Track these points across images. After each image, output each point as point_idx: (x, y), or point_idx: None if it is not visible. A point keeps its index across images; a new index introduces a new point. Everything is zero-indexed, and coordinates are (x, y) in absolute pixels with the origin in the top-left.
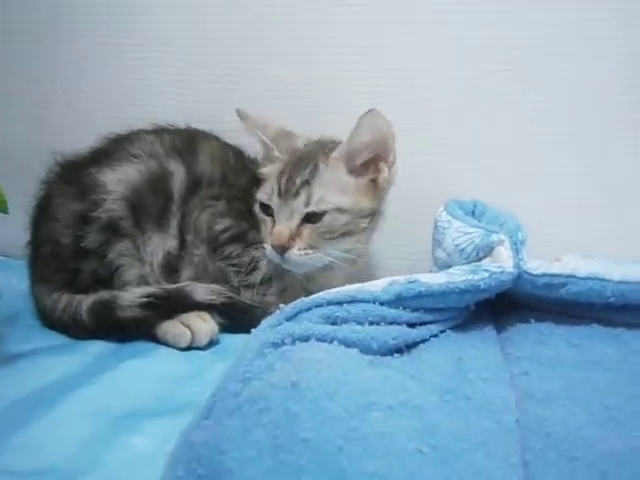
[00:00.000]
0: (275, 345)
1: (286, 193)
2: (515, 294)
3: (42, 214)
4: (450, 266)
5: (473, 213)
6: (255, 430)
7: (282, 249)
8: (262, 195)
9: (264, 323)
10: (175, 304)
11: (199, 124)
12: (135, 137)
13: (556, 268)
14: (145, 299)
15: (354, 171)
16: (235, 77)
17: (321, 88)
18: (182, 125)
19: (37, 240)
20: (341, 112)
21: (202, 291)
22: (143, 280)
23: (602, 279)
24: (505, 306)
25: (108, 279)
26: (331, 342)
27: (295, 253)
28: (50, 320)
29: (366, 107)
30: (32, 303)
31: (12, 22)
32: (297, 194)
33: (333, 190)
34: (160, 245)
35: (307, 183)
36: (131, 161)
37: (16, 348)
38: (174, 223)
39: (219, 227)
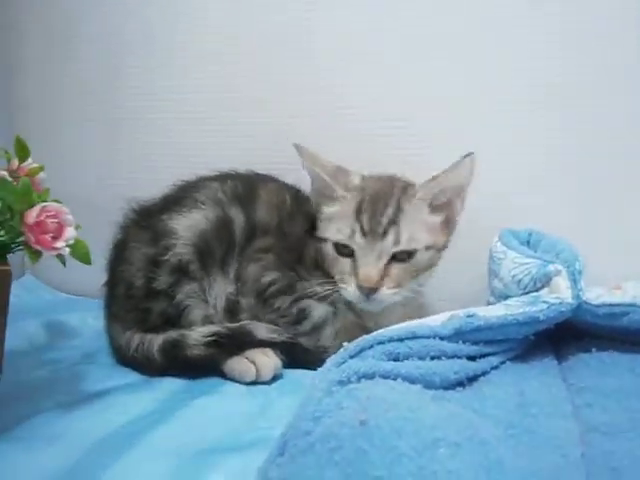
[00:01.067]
0: (342, 383)
1: (372, 233)
2: (575, 322)
3: (118, 257)
4: (507, 296)
5: (528, 242)
6: (328, 468)
7: (371, 290)
8: (337, 235)
9: (329, 362)
10: (238, 341)
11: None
12: (201, 184)
13: (616, 297)
14: (210, 338)
15: (434, 208)
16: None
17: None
18: (244, 169)
19: (113, 281)
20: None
21: (264, 329)
22: (208, 320)
23: None
24: (565, 334)
25: (176, 319)
26: (395, 379)
27: (385, 293)
28: (124, 358)
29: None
30: (107, 341)
31: (90, 76)
32: (385, 234)
33: (419, 228)
34: (223, 289)
35: (394, 222)
36: (198, 208)
37: (96, 386)
38: (233, 269)
39: (266, 279)
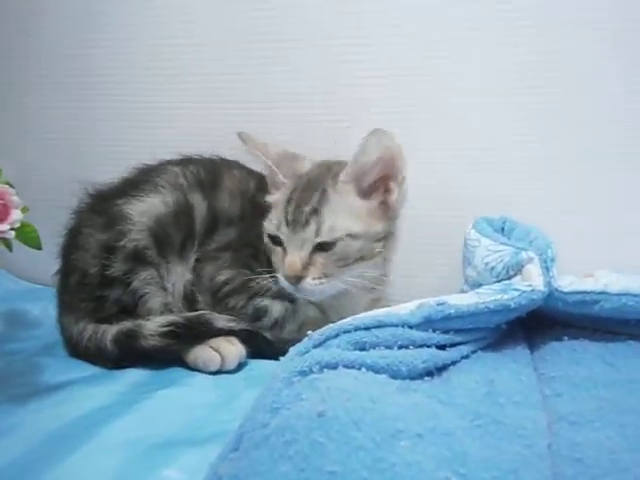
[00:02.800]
0: (303, 373)
1: (294, 222)
2: (547, 311)
3: (72, 243)
4: (480, 284)
5: (502, 230)
6: (282, 462)
7: (296, 279)
8: (269, 226)
9: (292, 351)
10: (196, 331)
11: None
12: (162, 168)
13: (587, 285)
14: (166, 328)
15: (364, 193)
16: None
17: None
18: (209, 154)
19: (66, 269)
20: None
21: (222, 319)
22: (167, 308)
23: (636, 294)
24: (538, 323)
25: (132, 307)
26: (359, 368)
27: (309, 283)
28: (76, 349)
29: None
30: (59, 332)
31: (49, 73)
32: (306, 224)
33: (344, 216)
34: (181, 276)
35: (315, 212)
36: (157, 192)
37: (54, 378)
38: (193, 258)
39: (220, 278)
